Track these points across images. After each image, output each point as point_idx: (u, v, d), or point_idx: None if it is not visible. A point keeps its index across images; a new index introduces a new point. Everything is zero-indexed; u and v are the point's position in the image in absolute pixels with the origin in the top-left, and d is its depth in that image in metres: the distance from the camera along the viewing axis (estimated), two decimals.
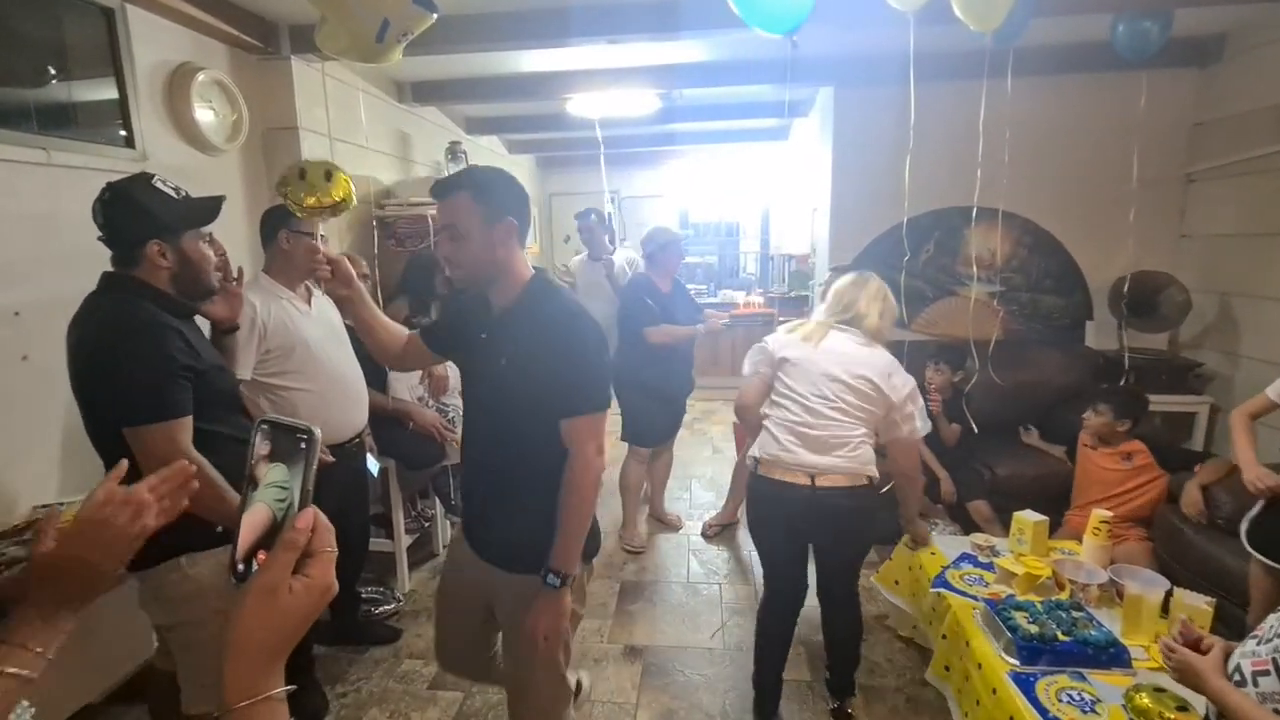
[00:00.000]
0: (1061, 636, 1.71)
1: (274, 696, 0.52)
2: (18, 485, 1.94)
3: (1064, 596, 1.97)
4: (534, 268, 1.43)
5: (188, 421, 1.35)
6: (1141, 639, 1.77)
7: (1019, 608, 1.84)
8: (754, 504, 2.04)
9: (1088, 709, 1.53)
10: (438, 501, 3.13)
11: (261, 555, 0.56)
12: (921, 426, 1.92)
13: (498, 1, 2.68)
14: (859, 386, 1.89)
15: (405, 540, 2.88)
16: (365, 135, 3.33)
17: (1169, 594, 1.86)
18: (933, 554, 2.30)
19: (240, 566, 0.56)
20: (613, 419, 3.88)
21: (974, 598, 2.00)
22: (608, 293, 3.70)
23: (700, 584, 2.98)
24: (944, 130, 3.02)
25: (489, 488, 1.45)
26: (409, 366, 1.75)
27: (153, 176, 1.41)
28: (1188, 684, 1.12)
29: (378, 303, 2.69)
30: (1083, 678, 1.63)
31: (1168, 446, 2.71)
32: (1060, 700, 1.55)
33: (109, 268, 1.40)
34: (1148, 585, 1.87)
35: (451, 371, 2.92)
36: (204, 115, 2.59)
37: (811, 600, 2.10)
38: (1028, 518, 2.28)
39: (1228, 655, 1.10)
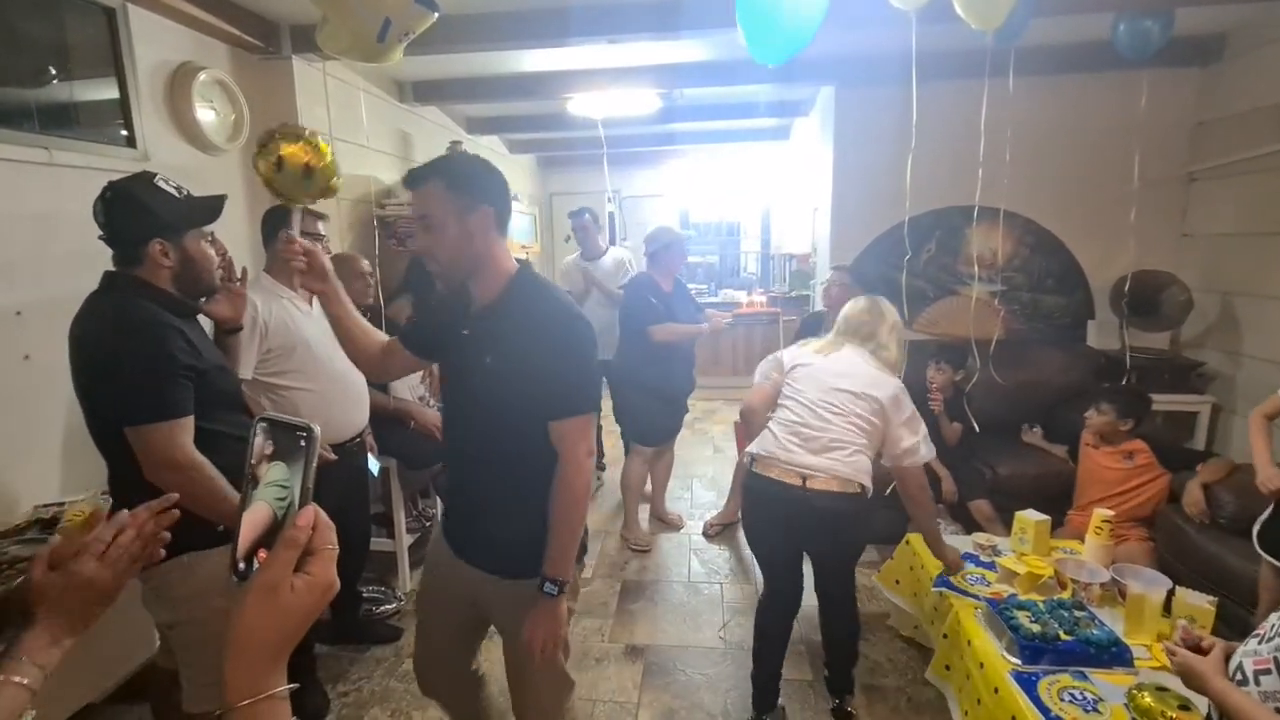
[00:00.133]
0: (1064, 636, 1.71)
1: (276, 695, 0.52)
2: (19, 485, 1.94)
3: (1066, 596, 1.97)
4: (518, 260, 1.37)
5: (189, 421, 1.35)
6: (1144, 638, 1.77)
7: (1021, 607, 1.84)
8: (747, 500, 2.06)
9: (1090, 708, 1.53)
10: (439, 501, 3.13)
11: (262, 554, 0.55)
12: (925, 453, 1.93)
13: (498, 1, 2.68)
14: (865, 402, 1.91)
15: (406, 539, 2.88)
16: (366, 135, 3.33)
17: (1171, 593, 1.86)
18: None
19: (241, 565, 0.56)
20: (610, 421, 3.91)
21: (976, 597, 2.00)
22: (598, 292, 3.71)
23: (701, 583, 2.98)
24: (945, 130, 3.01)
25: (474, 491, 1.40)
26: (391, 373, 1.62)
27: (154, 175, 1.41)
28: (1190, 685, 1.12)
29: (379, 303, 2.70)
30: (1085, 677, 1.63)
31: (1169, 446, 2.70)
32: (1062, 699, 1.55)
33: (111, 267, 1.40)
34: (1150, 584, 1.86)
35: None
36: (205, 115, 2.59)
37: (811, 599, 2.10)
38: (1029, 517, 2.28)
39: (1228, 655, 1.10)
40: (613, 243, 5.86)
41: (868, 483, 1.88)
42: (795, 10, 2.00)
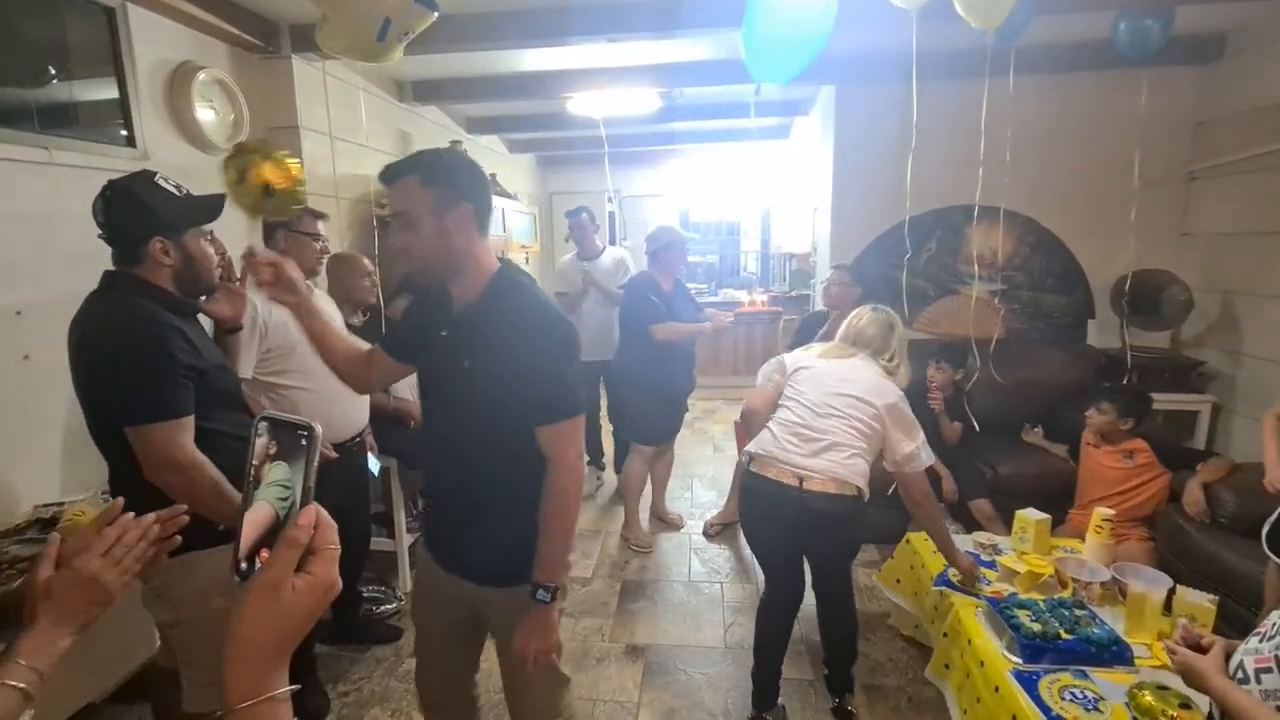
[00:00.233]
0: (1064, 635, 1.70)
1: (277, 697, 0.51)
2: (19, 485, 1.94)
3: (1067, 595, 1.97)
4: (500, 260, 1.32)
5: (189, 421, 1.34)
6: (1145, 637, 1.77)
7: (1022, 606, 1.84)
8: (745, 500, 2.06)
9: (1091, 707, 1.53)
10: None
11: (264, 553, 0.55)
12: (925, 458, 1.95)
13: (498, 0, 2.68)
14: (866, 407, 1.93)
15: (407, 539, 2.88)
16: (365, 134, 3.33)
17: (1172, 592, 1.86)
18: (935, 552, 2.30)
19: (243, 564, 0.55)
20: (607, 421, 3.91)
21: (976, 596, 2.00)
22: (597, 293, 3.70)
23: (702, 583, 2.98)
24: (946, 129, 3.01)
25: (457, 499, 1.35)
26: (376, 383, 1.52)
27: (154, 174, 1.41)
28: (1191, 684, 1.12)
29: (379, 303, 2.70)
30: (1086, 676, 1.62)
31: (1170, 445, 2.70)
32: (1063, 698, 1.55)
33: (110, 267, 1.40)
34: (1150, 583, 1.86)
35: None
36: (205, 114, 2.59)
37: (810, 599, 2.10)
38: (1030, 516, 2.28)
39: (1229, 654, 1.10)
40: (613, 242, 5.87)
41: (864, 485, 1.89)
42: (799, 36, 2.03)
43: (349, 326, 2.39)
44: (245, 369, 1.90)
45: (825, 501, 1.85)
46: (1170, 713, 1.41)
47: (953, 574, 2.11)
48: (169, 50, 2.48)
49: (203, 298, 1.56)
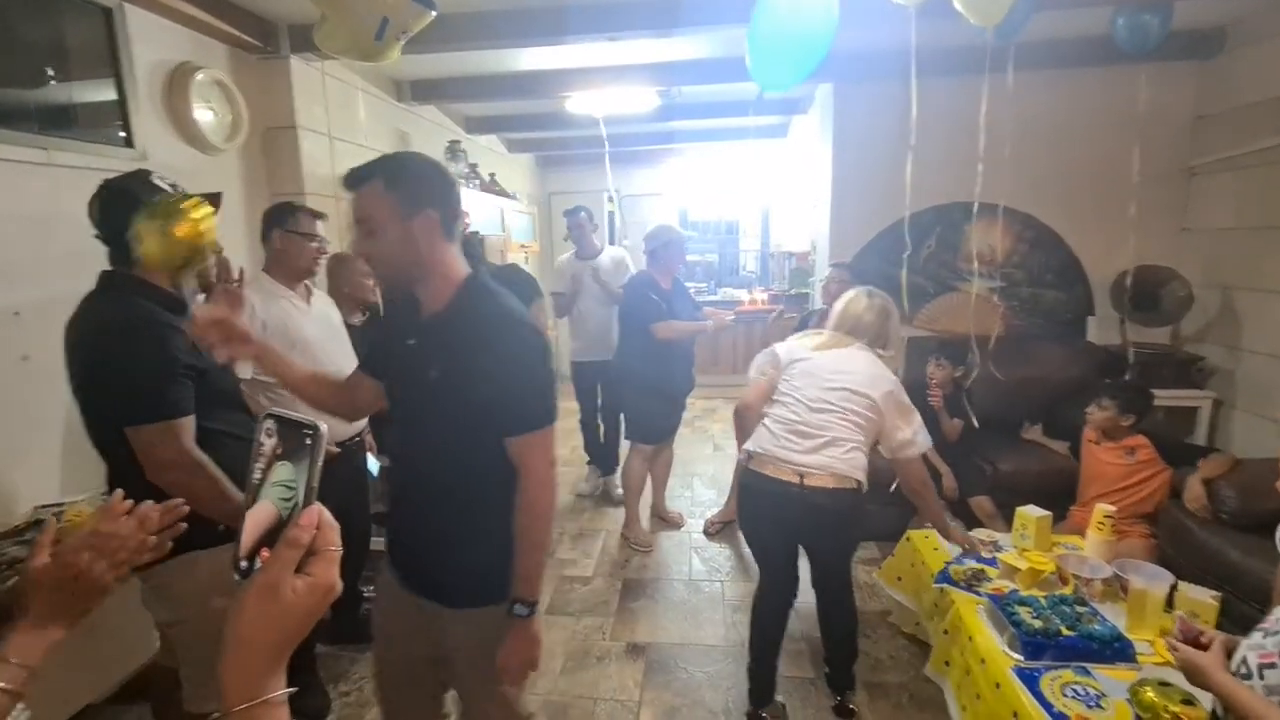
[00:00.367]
0: (1066, 631, 1.70)
1: (274, 700, 0.51)
2: (18, 485, 1.94)
3: (1068, 591, 1.96)
4: (470, 267, 1.29)
5: (190, 420, 1.34)
6: (1146, 634, 1.76)
7: (1023, 603, 1.83)
8: (744, 497, 2.06)
9: (1093, 704, 1.52)
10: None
11: (265, 553, 0.54)
12: (922, 443, 1.95)
13: None
14: (862, 399, 1.92)
15: None
16: (364, 134, 3.33)
17: (1173, 588, 1.86)
18: (935, 549, 2.30)
19: (244, 564, 0.55)
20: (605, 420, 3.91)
21: (978, 593, 1.99)
22: (597, 292, 3.70)
23: (702, 581, 2.98)
24: (945, 126, 3.00)
25: (423, 514, 1.30)
26: (362, 408, 1.44)
27: (150, 173, 1.41)
28: (1193, 681, 1.12)
29: (378, 304, 2.70)
30: (1087, 672, 1.62)
31: (1171, 441, 2.70)
32: (1065, 695, 1.55)
33: (108, 267, 1.40)
34: (1152, 580, 1.86)
35: None
36: (203, 115, 2.59)
37: (809, 596, 2.10)
38: (1030, 513, 2.27)
39: (1229, 649, 1.10)
40: (612, 242, 5.86)
41: (863, 478, 1.90)
42: (802, 45, 2.04)
43: (349, 327, 2.39)
44: (244, 369, 1.90)
45: (826, 497, 1.85)
46: (1173, 709, 1.41)
47: (955, 571, 2.10)
48: (167, 51, 2.48)
49: (201, 296, 1.56)
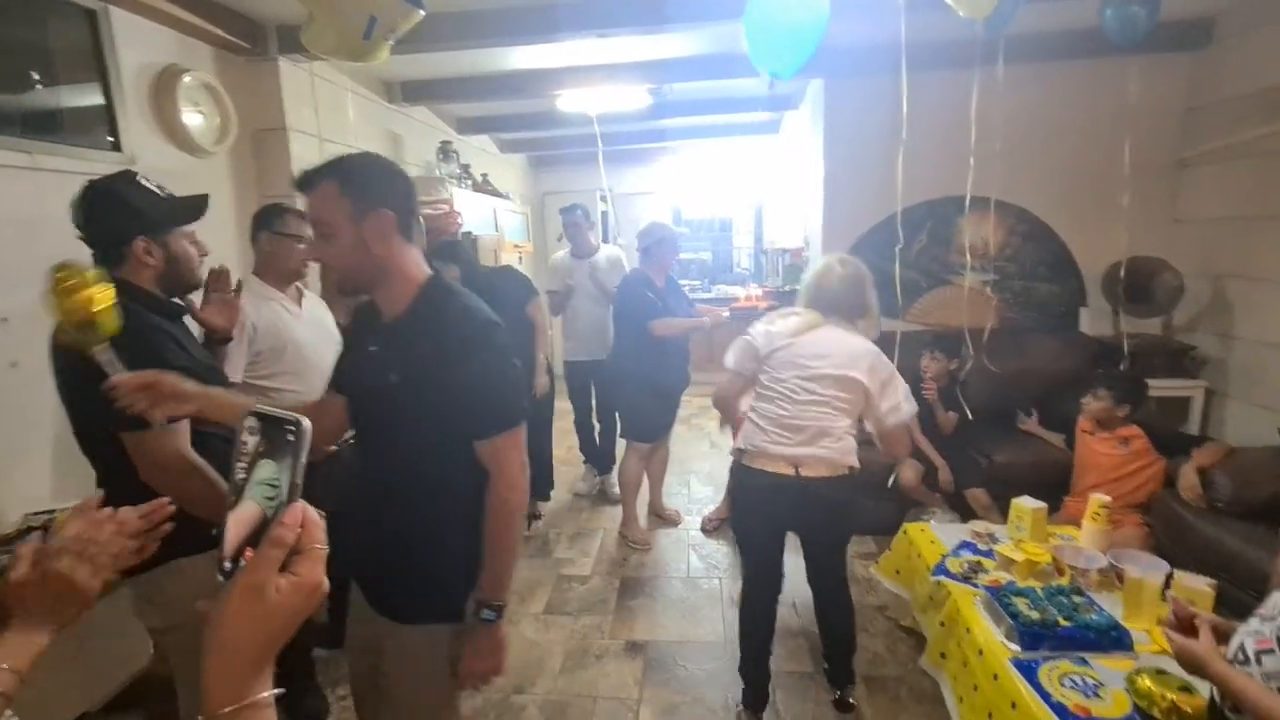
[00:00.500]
0: (1063, 621, 1.71)
1: (261, 701, 0.50)
2: (9, 493, 1.93)
3: (1064, 582, 1.97)
4: (431, 268, 1.25)
5: (185, 424, 1.33)
6: (1143, 622, 1.77)
7: (1019, 594, 1.84)
8: (740, 491, 2.06)
9: (1091, 693, 1.53)
10: None
11: (250, 554, 0.53)
12: (907, 410, 1.92)
13: None
14: (846, 382, 1.90)
15: None
16: (355, 136, 3.31)
17: (1169, 577, 1.86)
18: (932, 543, 2.30)
19: (228, 565, 0.54)
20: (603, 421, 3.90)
21: (975, 585, 2.00)
22: (592, 291, 3.69)
23: (700, 578, 2.98)
24: (936, 120, 3.01)
25: (385, 525, 1.25)
26: (338, 428, 1.36)
27: (135, 174, 1.40)
28: (1190, 670, 1.12)
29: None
30: (1085, 662, 1.63)
31: (1164, 431, 2.71)
32: (1063, 685, 1.55)
33: None
34: (1147, 569, 1.87)
35: None
36: (191, 117, 2.57)
37: (809, 591, 2.10)
38: (1026, 504, 2.27)
39: (1218, 630, 1.10)
40: (606, 240, 5.85)
41: (855, 462, 1.92)
42: (800, 21, 2.02)
43: (340, 327, 2.37)
44: (235, 373, 1.89)
45: (823, 485, 1.87)
46: (1170, 696, 1.41)
47: (952, 563, 2.11)
48: (153, 53, 2.46)
49: (190, 295, 1.55)
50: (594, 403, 3.91)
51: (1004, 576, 2.03)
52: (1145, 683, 1.46)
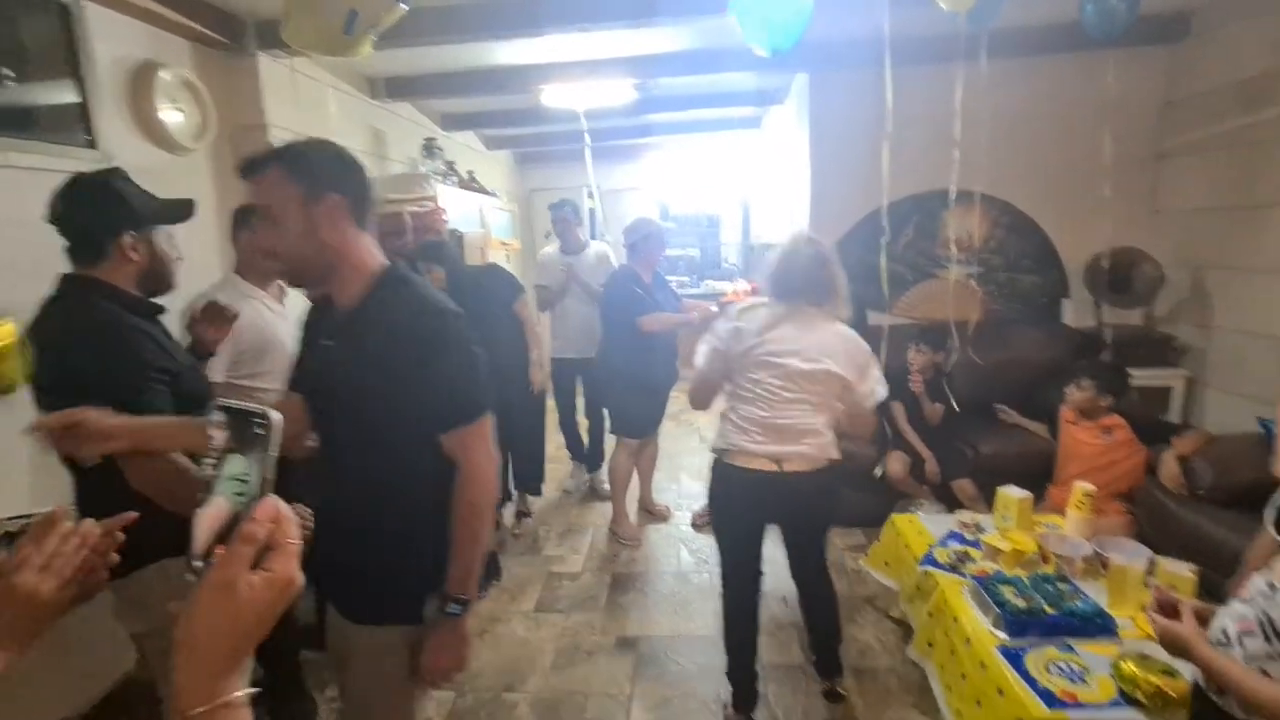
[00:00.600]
0: (1049, 609, 1.73)
1: (234, 701, 0.48)
2: None
3: (1050, 570, 1.99)
4: (388, 259, 1.19)
5: None
6: (1127, 609, 1.79)
7: (1006, 582, 1.86)
8: (721, 489, 1.99)
9: (1077, 679, 1.55)
10: None
11: (220, 550, 0.52)
12: (882, 392, 1.92)
13: None
14: (821, 375, 1.85)
15: None
16: (337, 133, 3.27)
17: (1152, 564, 1.89)
18: (920, 533, 2.32)
19: (198, 563, 0.53)
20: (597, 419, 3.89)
21: (962, 574, 2.02)
22: (578, 290, 3.68)
23: (691, 573, 2.98)
24: (921, 114, 3.02)
25: (344, 523, 1.20)
26: (299, 433, 1.26)
27: (121, 170, 1.38)
28: (1174, 653, 1.14)
29: None
30: (1071, 649, 1.65)
31: (1146, 420, 2.75)
32: (1050, 672, 1.57)
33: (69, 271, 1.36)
34: (1131, 556, 1.89)
35: None
36: (169, 114, 2.53)
37: (791, 586, 2.11)
38: (1011, 494, 2.30)
39: (1200, 615, 1.12)
40: (594, 237, 5.83)
41: (837, 454, 1.92)
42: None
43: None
44: (216, 373, 1.87)
45: (805, 480, 1.87)
46: (1154, 680, 1.44)
47: (940, 553, 2.12)
48: (129, 48, 2.41)
49: (170, 292, 1.53)
50: (579, 401, 3.90)
51: (991, 566, 2.06)
52: (1129, 667, 1.49)
